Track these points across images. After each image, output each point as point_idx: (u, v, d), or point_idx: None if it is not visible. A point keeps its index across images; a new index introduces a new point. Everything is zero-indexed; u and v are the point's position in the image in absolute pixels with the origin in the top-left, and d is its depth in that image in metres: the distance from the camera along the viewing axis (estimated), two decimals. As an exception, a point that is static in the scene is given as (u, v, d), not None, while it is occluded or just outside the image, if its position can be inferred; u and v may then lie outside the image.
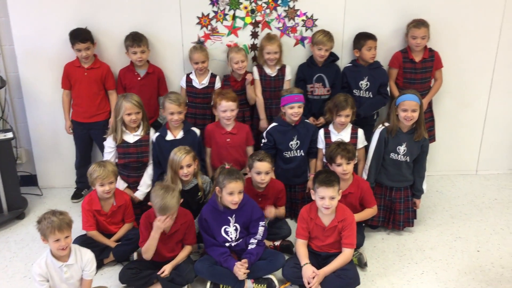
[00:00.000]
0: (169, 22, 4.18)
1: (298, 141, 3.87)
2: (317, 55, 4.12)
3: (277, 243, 3.66)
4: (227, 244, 3.33)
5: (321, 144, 3.92)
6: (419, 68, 4.23)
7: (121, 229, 3.60)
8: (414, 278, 3.40)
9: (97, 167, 3.46)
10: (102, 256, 3.47)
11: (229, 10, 4.18)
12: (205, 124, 4.11)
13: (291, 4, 4.19)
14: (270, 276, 3.29)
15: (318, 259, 3.33)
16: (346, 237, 3.25)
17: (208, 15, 4.18)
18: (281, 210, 3.74)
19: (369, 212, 3.66)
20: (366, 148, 3.90)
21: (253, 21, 4.22)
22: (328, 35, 4.10)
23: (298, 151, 3.89)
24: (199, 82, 4.15)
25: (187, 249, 3.36)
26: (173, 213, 3.16)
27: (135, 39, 4.01)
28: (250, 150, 4.02)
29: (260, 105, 4.24)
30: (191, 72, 4.20)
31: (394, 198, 3.82)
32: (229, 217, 3.33)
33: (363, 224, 3.81)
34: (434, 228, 3.96)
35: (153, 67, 4.19)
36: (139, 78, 4.14)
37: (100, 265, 3.39)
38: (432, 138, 4.39)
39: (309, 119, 4.19)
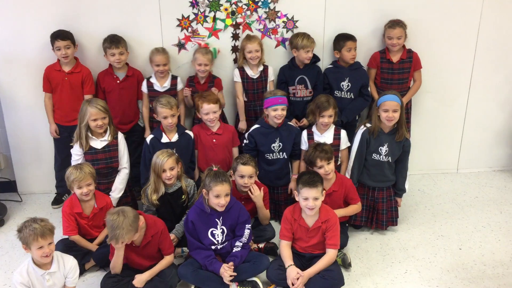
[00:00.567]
0: (149, 25, 4.14)
1: (280, 144, 3.87)
2: (305, 58, 4.11)
3: (261, 245, 3.65)
4: (213, 247, 3.31)
5: (304, 145, 3.92)
6: (397, 69, 4.26)
7: (102, 233, 3.55)
8: (397, 278, 3.42)
9: (73, 169, 3.41)
10: (84, 261, 3.42)
11: (210, 12, 4.16)
12: None
13: (271, 5, 4.19)
14: (255, 278, 3.28)
15: (302, 260, 3.33)
16: (330, 238, 3.26)
17: (188, 17, 4.16)
18: (266, 213, 3.73)
19: (354, 208, 3.68)
20: (349, 149, 3.92)
21: (234, 23, 4.21)
22: (309, 37, 4.11)
23: (281, 153, 3.89)
24: (161, 85, 4.12)
25: (166, 260, 3.27)
26: (129, 236, 3.00)
27: (113, 41, 3.97)
28: (235, 151, 4.02)
29: (240, 107, 4.23)
30: (150, 76, 4.16)
31: (377, 198, 3.84)
32: (216, 219, 3.31)
33: (347, 224, 3.82)
34: (417, 227, 3.99)
35: (133, 70, 4.15)
36: (118, 81, 4.09)
37: (82, 270, 3.34)
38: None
39: (291, 121, 4.20)
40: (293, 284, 3.13)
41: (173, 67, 4.21)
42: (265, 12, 4.21)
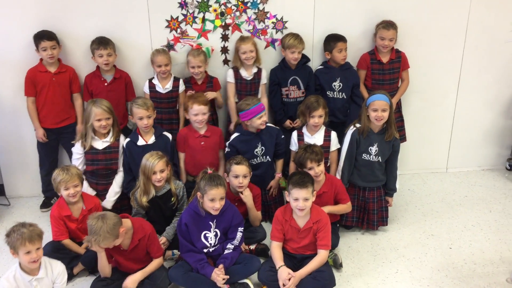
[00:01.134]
0: (138, 26, 4.12)
1: (263, 148, 3.84)
2: (291, 58, 4.12)
3: (252, 246, 3.64)
4: (205, 250, 3.30)
5: (294, 146, 3.92)
6: (387, 69, 4.28)
7: None
8: (388, 277, 3.42)
9: (60, 171, 3.37)
10: (71, 265, 3.38)
11: (199, 13, 4.14)
12: (172, 129, 4.07)
13: (260, 6, 4.19)
14: (246, 280, 3.27)
15: (294, 261, 3.32)
16: (321, 239, 3.25)
17: (177, 18, 4.14)
18: (258, 215, 3.72)
19: (342, 207, 3.68)
20: (339, 150, 3.91)
21: (223, 23, 4.20)
22: (298, 37, 4.11)
23: (264, 157, 3.87)
24: (163, 87, 4.10)
25: (155, 263, 3.25)
26: (106, 243, 2.97)
27: (101, 42, 3.94)
28: (221, 153, 4.00)
29: (232, 108, 4.22)
30: (153, 77, 4.14)
31: (368, 198, 3.85)
32: (210, 222, 3.29)
33: (338, 225, 3.82)
34: (407, 226, 4.01)
35: (120, 72, 4.12)
36: (106, 84, 4.06)
37: (70, 274, 3.30)
38: (402, 138, 4.45)
39: (285, 122, 4.19)
40: (284, 285, 3.11)
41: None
42: (255, 13, 4.20)
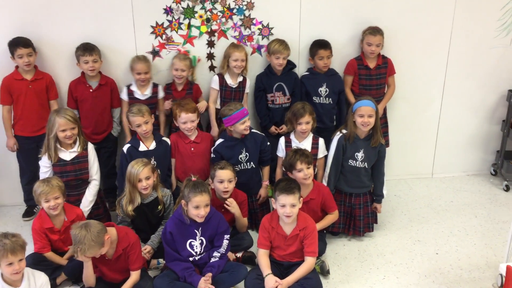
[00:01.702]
0: (122, 32, 4.08)
1: (247, 154, 3.82)
2: (276, 64, 4.11)
3: (239, 254, 3.61)
4: (191, 259, 3.26)
5: (281, 152, 3.90)
6: (374, 75, 4.30)
7: (71, 247, 3.43)
8: (376, 284, 3.42)
9: (41, 183, 3.30)
10: (54, 275, 3.32)
11: (184, 19, 4.12)
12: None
13: (246, 13, 4.18)
14: (233, 289, 3.24)
15: (281, 269, 3.30)
16: (308, 246, 3.24)
17: (162, 24, 4.11)
18: (244, 222, 3.70)
19: (330, 219, 3.67)
20: (326, 157, 3.91)
21: (209, 30, 4.18)
22: (283, 43, 4.11)
23: (248, 163, 3.84)
24: (142, 93, 4.06)
25: (133, 277, 3.14)
26: (92, 251, 2.93)
27: (87, 48, 3.89)
28: None
29: (211, 114, 4.20)
30: (131, 84, 4.10)
31: (354, 204, 3.84)
32: (195, 230, 3.26)
33: (324, 231, 3.81)
34: (394, 232, 4.01)
35: (106, 78, 4.07)
36: (91, 90, 4.00)
37: (53, 285, 3.23)
38: (386, 144, 4.44)
39: (271, 128, 4.17)
40: (271, 294, 3.09)
41: (152, 74, 4.15)
42: (240, 19, 4.19)
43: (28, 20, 3.94)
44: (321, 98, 4.24)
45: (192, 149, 3.88)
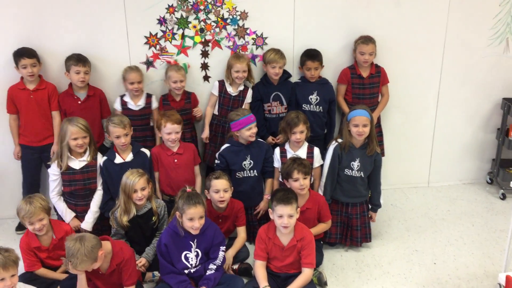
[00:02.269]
0: (116, 42, 4.06)
1: (251, 161, 3.80)
2: (272, 73, 4.10)
3: (235, 266, 3.56)
4: (186, 271, 3.21)
5: (277, 163, 3.87)
6: (367, 84, 4.29)
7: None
8: (374, 295, 3.39)
9: (23, 203, 3.19)
10: (49, 291, 3.25)
11: (178, 29, 4.11)
12: (146, 146, 3.96)
13: (240, 23, 4.17)
14: (229, 301, 3.18)
15: (278, 280, 3.26)
16: (306, 257, 3.20)
17: (156, 34, 4.09)
18: (242, 233, 3.66)
19: (322, 227, 3.65)
20: (322, 166, 3.88)
21: (203, 40, 4.17)
22: (279, 52, 4.10)
23: (252, 171, 3.82)
24: (135, 104, 4.03)
25: None
26: (84, 266, 2.88)
27: (80, 59, 3.87)
28: (197, 169, 3.93)
29: (208, 116, 4.19)
30: (124, 94, 4.07)
31: (351, 214, 3.81)
32: (190, 242, 3.21)
33: (321, 242, 3.77)
34: (391, 242, 3.98)
35: (94, 89, 4.03)
36: (79, 102, 3.97)
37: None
38: (381, 153, 4.42)
39: (268, 138, 4.15)
40: (268, 306, 3.05)
41: (145, 84, 4.13)
42: (234, 29, 4.18)
43: (30, 30, 3.93)
44: (311, 106, 4.22)
45: (176, 160, 3.83)
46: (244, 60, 4.07)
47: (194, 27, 4.12)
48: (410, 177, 4.88)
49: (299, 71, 4.33)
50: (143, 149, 3.83)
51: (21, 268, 3.20)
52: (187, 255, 3.21)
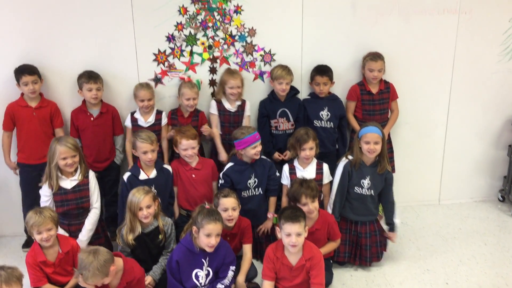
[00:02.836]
0: (125, 59, 4.07)
1: (256, 179, 3.76)
2: (279, 90, 4.08)
3: (243, 286, 3.50)
4: (194, 290, 3.16)
5: (285, 180, 3.83)
6: (377, 100, 4.26)
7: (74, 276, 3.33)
8: (385, 316, 3.31)
9: (33, 213, 3.17)
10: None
11: (186, 46, 4.11)
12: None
13: (248, 39, 4.17)
14: (237, 322, 3.13)
15: (287, 301, 3.19)
16: (315, 277, 3.13)
17: (164, 51, 4.10)
18: (248, 253, 3.59)
19: (332, 246, 3.61)
20: (331, 183, 3.83)
21: (211, 56, 4.16)
22: (286, 69, 4.09)
23: (257, 189, 3.77)
24: (145, 120, 4.03)
25: None
26: (95, 280, 2.84)
27: (92, 76, 3.88)
28: (215, 185, 3.91)
29: (216, 137, 4.15)
30: (135, 111, 4.07)
31: (360, 233, 3.75)
32: (202, 260, 3.17)
33: (331, 261, 3.71)
34: (402, 261, 3.90)
35: (107, 106, 4.04)
36: (92, 119, 3.97)
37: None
38: (392, 169, 4.38)
39: (274, 154, 4.11)
40: (277, 327, 2.99)
41: (155, 100, 4.12)
42: (242, 46, 4.18)
43: (34, 48, 3.94)
44: (323, 122, 4.19)
45: (193, 175, 3.81)
46: (237, 76, 4.06)
47: (203, 44, 4.13)
48: (420, 194, 4.82)
49: (307, 87, 4.31)
50: (166, 166, 3.83)
51: (27, 286, 3.17)
52: (198, 274, 3.16)
